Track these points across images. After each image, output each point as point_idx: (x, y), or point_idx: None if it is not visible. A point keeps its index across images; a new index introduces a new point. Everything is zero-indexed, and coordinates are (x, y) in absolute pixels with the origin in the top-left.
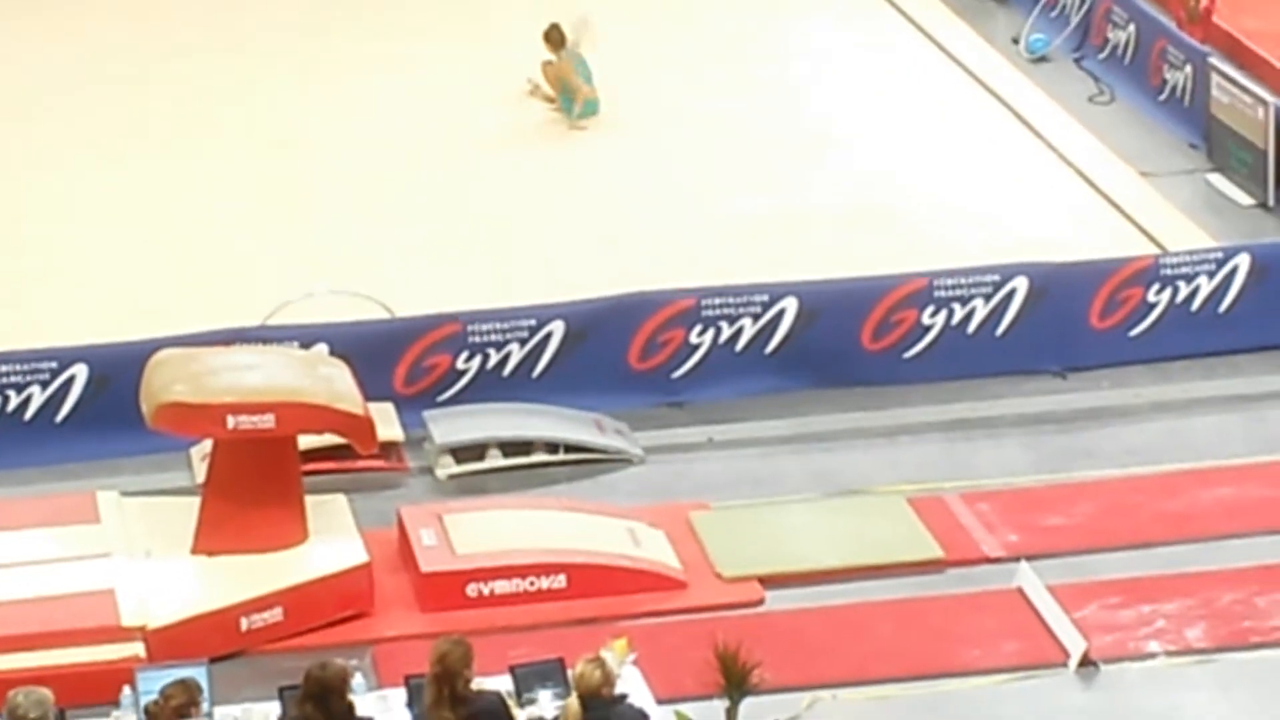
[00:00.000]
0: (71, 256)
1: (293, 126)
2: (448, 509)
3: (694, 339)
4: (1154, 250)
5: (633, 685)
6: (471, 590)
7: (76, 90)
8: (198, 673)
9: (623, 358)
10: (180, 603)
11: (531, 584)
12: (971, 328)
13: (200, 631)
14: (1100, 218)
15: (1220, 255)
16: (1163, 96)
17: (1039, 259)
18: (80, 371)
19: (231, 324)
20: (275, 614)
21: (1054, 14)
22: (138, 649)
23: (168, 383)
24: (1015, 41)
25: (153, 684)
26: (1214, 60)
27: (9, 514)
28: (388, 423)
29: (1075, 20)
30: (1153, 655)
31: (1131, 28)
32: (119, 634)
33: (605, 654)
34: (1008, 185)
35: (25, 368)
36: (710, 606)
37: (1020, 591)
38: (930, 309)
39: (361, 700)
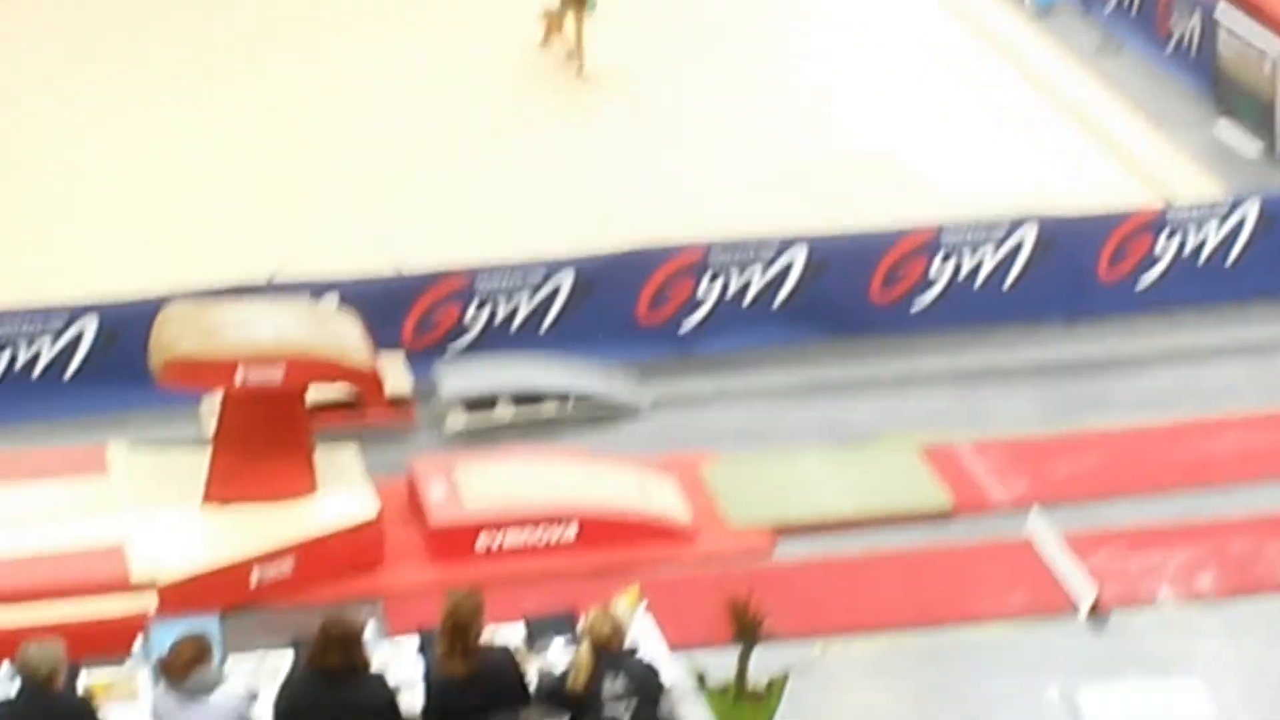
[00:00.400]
0: (77, 211)
1: (299, 82)
2: (458, 460)
3: (702, 290)
4: (1162, 200)
5: (644, 635)
6: (482, 541)
7: (78, 45)
8: (209, 626)
9: (631, 309)
10: (191, 556)
11: (542, 535)
12: (980, 278)
13: (211, 585)
14: (1108, 168)
15: (1228, 205)
16: (1170, 47)
17: (1047, 209)
18: (89, 326)
19: (241, 278)
20: (286, 566)
21: None
22: (150, 602)
23: (177, 337)
24: None
25: (165, 637)
26: (1222, 10)
27: (20, 467)
28: (397, 375)
29: None
30: (1162, 603)
31: None
32: (130, 587)
33: (616, 604)
34: (1015, 136)
35: (35, 323)
36: (720, 556)
37: (1030, 540)
38: (939, 260)
39: (374, 651)
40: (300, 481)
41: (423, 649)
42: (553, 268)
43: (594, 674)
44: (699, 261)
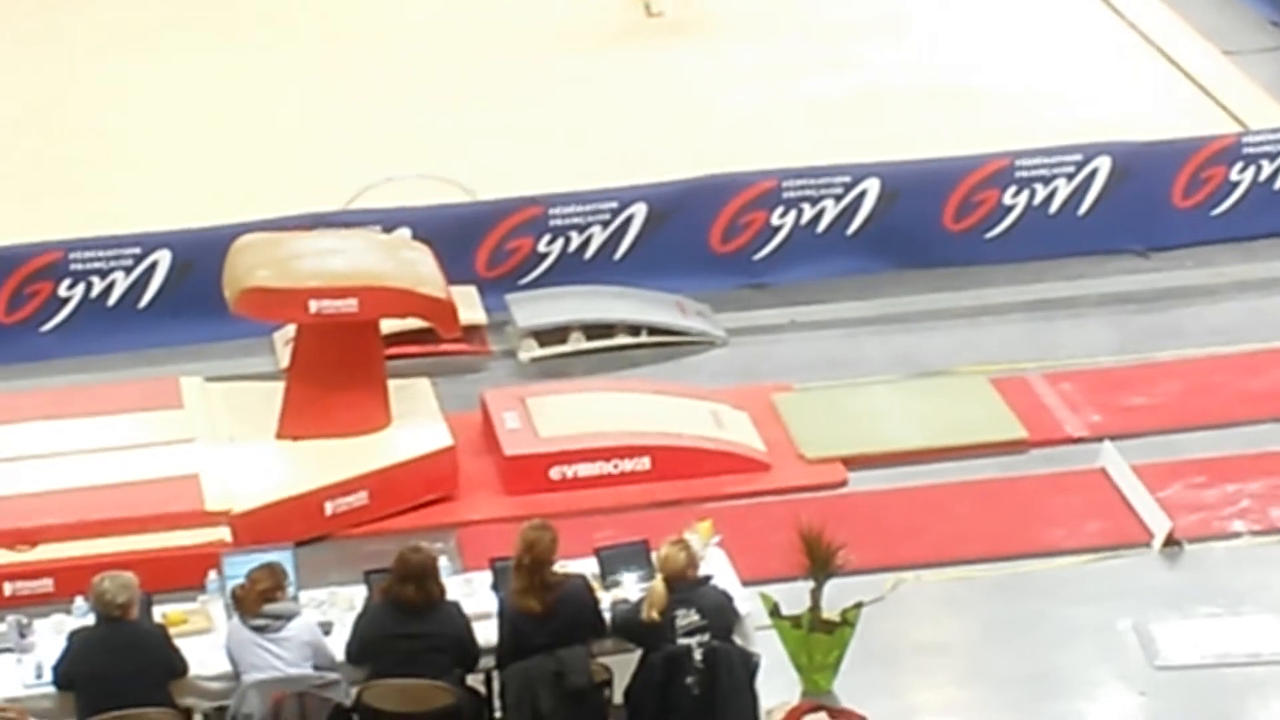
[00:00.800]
0: (146, 145)
1: (368, 11)
2: (531, 392)
3: (776, 220)
4: (1236, 128)
5: (717, 567)
6: (555, 473)
7: None
8: (283, 557)
9: (705, 240)
10: (265, 487)
11: (615, 466)
12: (1054, 207)
13: (285, 516)
14: (1182, 96)
15: None
16: None
17: (1121, 138)
18: (164, 257)
19: (314, 209)
20: (360, 498)
21: None
22: (223, 534)
23: (251, 268)
24: None
25: (238, 569)
26: None
27: (94, 400)
28: (470, 306)
29: None
30: (1237, 534)
31: None
32: (204, 519)
33: (689, 536)
34: (1089, 64)
35: (109, 254)
36: (794, 488)
37: (1104, 471)
38: (1012, 189)
39: (447, 583)
40: (374, 413)
41: (496, 585)
42: (626, 198)
43: (667, 606)
44: (772, 191)
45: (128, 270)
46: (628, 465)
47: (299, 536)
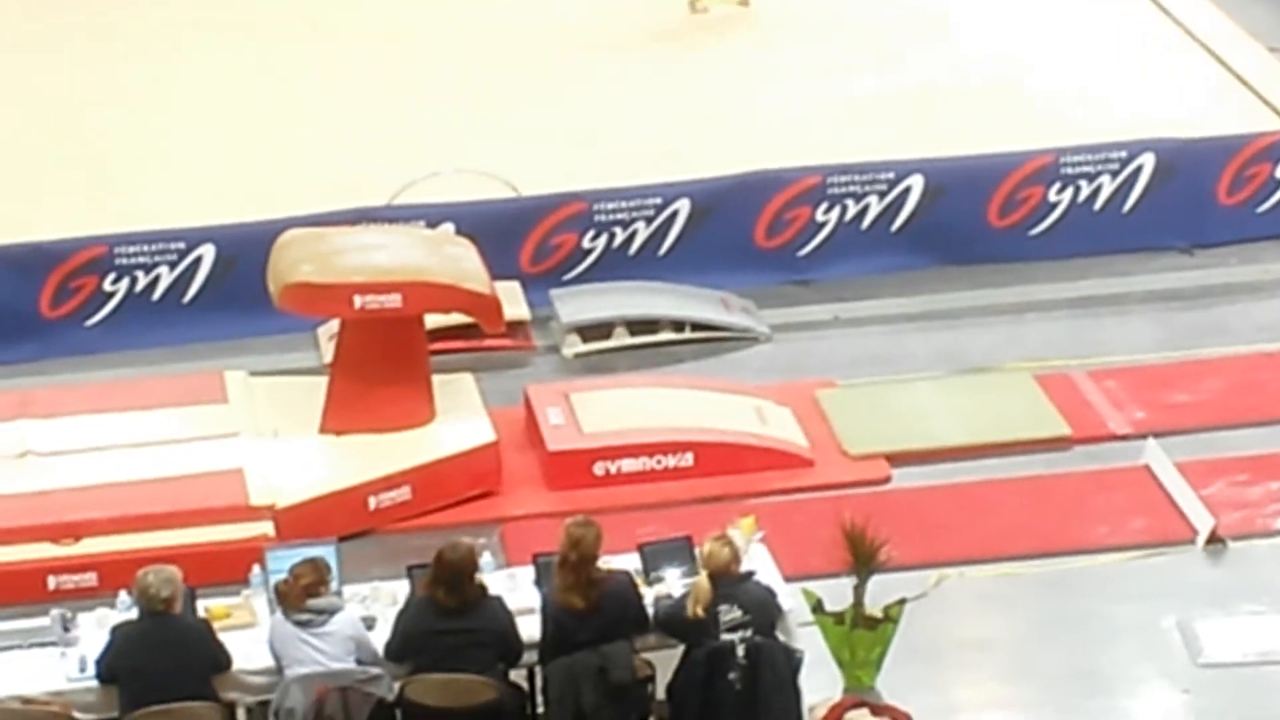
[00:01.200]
0: (189, 142)
1: (410, 5)
2: (574, 387)
3: (820, 216)
4: None
5: (760, 563)
6: (599, 469)
7: None
8: (326, 552)
9: (749, 235)
10: (308, 482)
11: (659, 462)
12: (1098, 204)
13: (328, 510)
14: (1228, 94)
15: None
16: None
17: (1166, 135)
18: (208, 252)
19: (358, 204)
20: (403, 493)
21: None
22: (267, 528)
23: (295, 262)
24: None
25: (282, 563)
26: None
27: (138, 394)
28: (514, 302)
29: None
30: None
31: None
32: (248, 513)
33: (733, 532)
34: (1134, 62)
35: (154, 249)
36: (837, 484)
37: (1148, 468)
38: (1057, 185)
39: (490, 579)
40: (418, 408)
41: (539, 580)
42: (670, 194)
43: (711, 602)
44: (817, 187)
45: (172, 265)
46: (671, 461)
47: (342, 531)
